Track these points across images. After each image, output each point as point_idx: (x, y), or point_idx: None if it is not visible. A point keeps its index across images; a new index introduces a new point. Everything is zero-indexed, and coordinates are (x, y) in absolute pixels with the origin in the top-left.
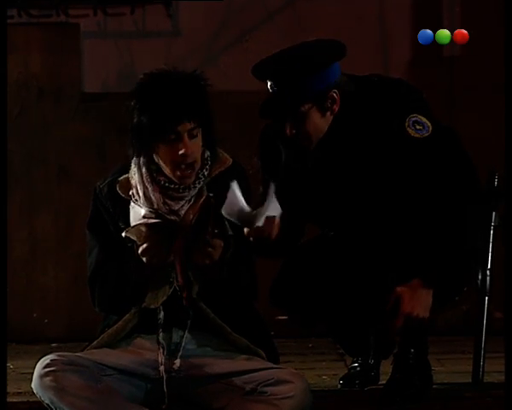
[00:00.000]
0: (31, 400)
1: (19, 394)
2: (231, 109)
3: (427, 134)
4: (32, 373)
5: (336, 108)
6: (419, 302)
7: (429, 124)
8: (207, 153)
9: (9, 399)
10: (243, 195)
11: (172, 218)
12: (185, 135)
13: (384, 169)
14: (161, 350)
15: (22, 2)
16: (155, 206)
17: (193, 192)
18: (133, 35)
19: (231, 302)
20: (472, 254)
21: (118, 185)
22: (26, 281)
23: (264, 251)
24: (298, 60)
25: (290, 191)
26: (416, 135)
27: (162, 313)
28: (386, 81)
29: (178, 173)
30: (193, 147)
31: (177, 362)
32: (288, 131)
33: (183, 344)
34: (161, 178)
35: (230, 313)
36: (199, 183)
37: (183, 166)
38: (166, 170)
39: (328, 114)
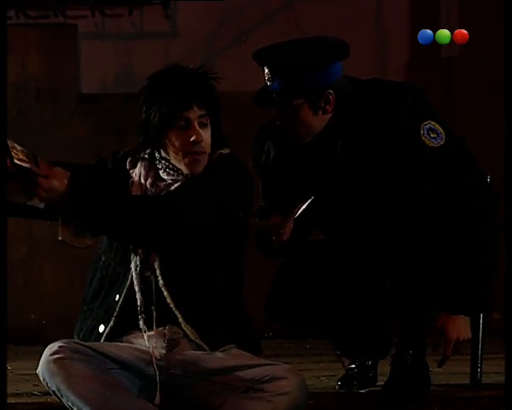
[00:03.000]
0: (29, 401)
1: (17, 395)
2: (229, 110)
3: (442, 143)
4: (31, 374)
5: (330, 108)
6: (462, 328)
7: (442, 130)
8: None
9: (8, 400)
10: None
11: None
12: (195, 122)
13: (386, 172)
14: (152, 347)
15: (20, 3)
16: (144, 191)
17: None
18: (131, 36)
19: (201, 290)
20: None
21: (129, 159)
22: (23, 282)
23: (269, 251)
24: (298, 55)
25: (286, 193)
26: (431, 144)
27: (141, 302)
28: (390, 84)
29: (187, 160)
30: (204, 136)
31: (171, 358)
32: (277, 120)
33: (170, 338)
34: (159, 166)
35: (195, 301)
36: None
37: (193, 154)
38: (175, 160)
39: (321, 113)
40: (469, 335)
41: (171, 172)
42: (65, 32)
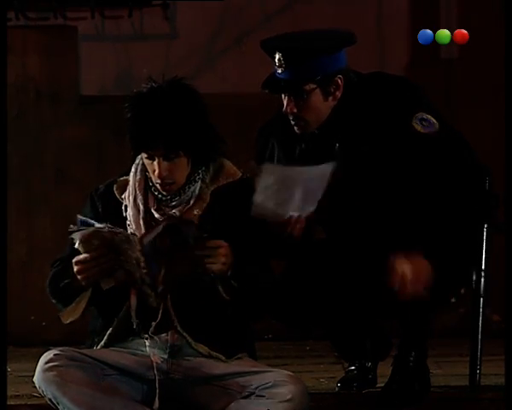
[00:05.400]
0: (29, 403)
1: (17, 396)
2: (229, 112)
3: (433, 131)
4: (30, 376)
5: (339, 94)
6: (421, 275)
7: (435, 121)
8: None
9: (8, 402)
10: (234, 210)
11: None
12: (160, 159)
13: (384, 161)
14: (153, 352)
15: (20, 5)
16: (142, 214)
17: (186, 197)
18: (131, 38)
19: (208, 309)
20: (469, 254)
21: (115, 186)
22: (23, 283)
23: (280, 250)
24: (311, 40)
25: None
26: (422, 130)
27: (136, 320)
28: (390, 77)
29: (159, 188)
30: (170, 168)
31: (172, 363)
32: (288, 108)
33: (173, 344)
34: (156, 192)
35: (202, 316)
36: (189, 187)
37: (161, 186)
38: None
39: (331, 99)
40: (429, 278)
41: (172, 198)
42: (65, 33)
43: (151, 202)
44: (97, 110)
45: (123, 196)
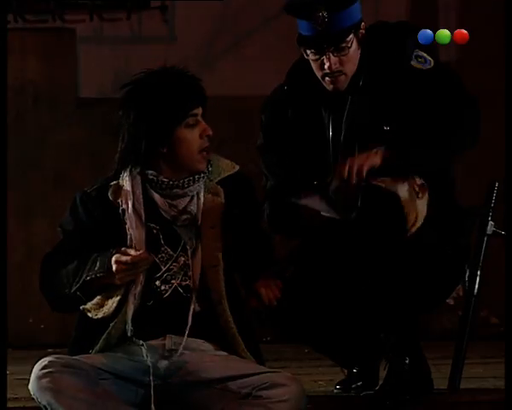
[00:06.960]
0: (27, 405)
1: (15, 399)
2: (227, 114)
3: (429, 67)
4: (28, 379)
5: (362, 40)
6: (368, 156)
7: (431, 59)
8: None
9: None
10: (245, 202)
11: (185, 217)
12: (201, 118)
13: (397, 107)
14: (148, 357)
15: (18, 8)
16: (142, 219)
17: (196, 188)
18: (129, 40)
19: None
20: (463, 252)
21: (110, 190)
22: (21, 286)
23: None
24: None
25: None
26: (418, 66)
27: (131, 328)
28: (391, 24)
29: (199, 157)
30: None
31: (169, 368)
32: (330, 65)
33: (180, 350)
34: (164, 180)
35: (245, 322)
36: (198, 179)
37: (204, 151)
38: (186, 158)
39: (359, 46)
40: (376, 160)
41: (180, 192)
42: (63, 36)
43: (161, 201)
44: (95, 113)
45: (118, 201)
